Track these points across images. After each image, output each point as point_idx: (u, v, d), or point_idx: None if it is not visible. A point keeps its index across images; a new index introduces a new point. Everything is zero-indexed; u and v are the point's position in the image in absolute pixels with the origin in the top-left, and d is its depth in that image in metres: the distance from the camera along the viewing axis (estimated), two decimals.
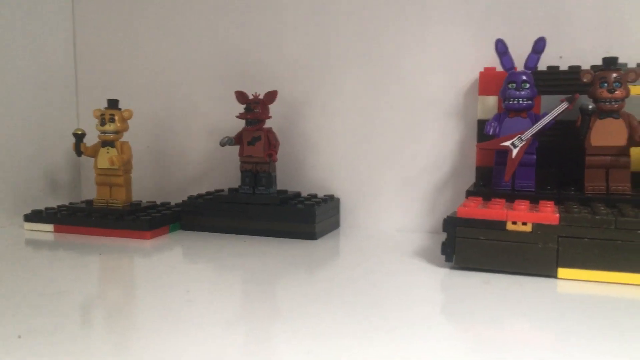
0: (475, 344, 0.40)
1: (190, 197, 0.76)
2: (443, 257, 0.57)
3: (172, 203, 0.80)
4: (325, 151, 0.78)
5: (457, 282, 0.53)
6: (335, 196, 0.77)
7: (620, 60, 0.61)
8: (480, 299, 0.48)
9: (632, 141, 0.57)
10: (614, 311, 0.46)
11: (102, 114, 0.73)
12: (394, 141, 0.75)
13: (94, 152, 0.74)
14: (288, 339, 0.40)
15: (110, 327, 0.43)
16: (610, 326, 0.42)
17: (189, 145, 0.85)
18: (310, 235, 0.69)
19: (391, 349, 0.39)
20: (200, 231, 0.74)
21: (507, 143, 0.60)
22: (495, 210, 0.55)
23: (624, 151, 0.58)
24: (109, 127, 0.73)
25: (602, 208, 0.54)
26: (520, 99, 0.61)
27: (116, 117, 0.73)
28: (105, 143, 0.73)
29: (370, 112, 0.76)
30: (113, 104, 0.74)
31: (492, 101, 0.67)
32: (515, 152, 0.59)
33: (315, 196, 0.75)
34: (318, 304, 0.47)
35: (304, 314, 0.45)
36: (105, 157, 0.73)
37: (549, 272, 0.53)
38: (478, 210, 0.55)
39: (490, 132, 0.62)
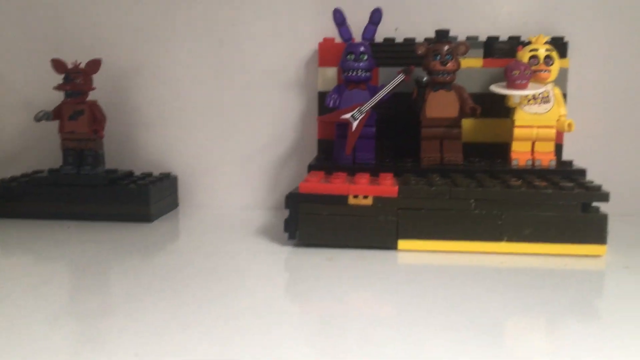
0: (320, 323, 0.39)
1: (2, 181, 0.67)
2: (287, 234, 0.55)
3: None
4: (159, 126, 0.73)
5: (301, 260, 0.51)
6: (172, 174, 0.72)
7: (452, 34, 0.63)
8: (324, 276, 0.47)
9: (463, 113, 0.59)
10: (450, 279, 0.47)
11: None
12: (233, 114, 0.71)
13: None
14: (116, 338, 0.36)
15: None
16: (447, 294, 0.43)
17: None
18: (145, 217, 0.64)
19: (232, 338, 0.36)
20: (16, 218, 0.65)
21: (347, 115, 0.59)
22: (337, 184, 0.54)
23: (456, 122, 0.60)
24: None
25: (437, 179, 0.55)
26: (359, 71, 0.60)
27: None
28: None
29: (207, 84, 0.71)
30: None
31: (332, 73, 0.66)
32: (355, 124, 0.59)
33: (149, 175, 0.70)
34: (153, 295, 0.43)
35: (137, 307, 0.41)
36: None
37: (390, 245, 0.53)
38: (320, 185, 0.54)
39: (331, 105, 0.61)
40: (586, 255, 0.52)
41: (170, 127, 0.72)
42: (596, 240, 0.52)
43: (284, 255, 0.53)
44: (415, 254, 0.53)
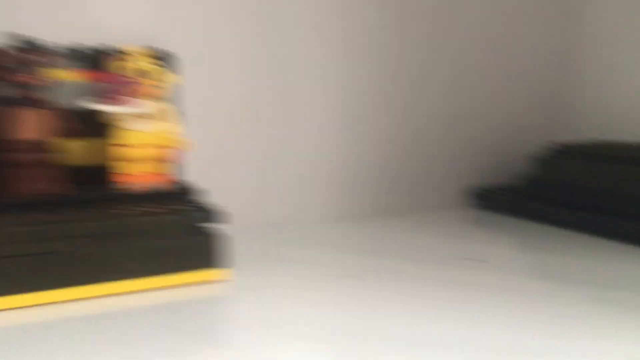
0: None
1: None
2: None
3: None
4: None
5: None
6: None
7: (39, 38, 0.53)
8: None
9: (56, 133, 0.50)
10: (37, 342, 0.37)
11: None
12: None
13: None
14: None
15: None
16: None
17: None
18: None
19: None
20: None
21: None
22: None
23: (48, 145, 0.50)
24: None
25: (24, 216, 0.45)
26: None
27: None
28: None
29: None
30: None
31: None
32: None
33: None
34: None
35: None
36: None
37: None
38: None
39: None
40: (209, 282, 0.49)
41: None
42: (220, 263, 0.49)
43: None
44: None
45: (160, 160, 0.55)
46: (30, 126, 0.49)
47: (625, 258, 0.55)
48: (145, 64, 0.54)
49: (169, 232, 0.47)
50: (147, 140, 0.54)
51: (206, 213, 0.49)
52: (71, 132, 0.50)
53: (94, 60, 0.55)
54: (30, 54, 0.49)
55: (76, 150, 0.54)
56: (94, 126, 0.54)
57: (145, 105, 0.53)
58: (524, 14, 0.80)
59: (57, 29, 0.57)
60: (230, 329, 0.42)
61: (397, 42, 0.73)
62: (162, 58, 0.57)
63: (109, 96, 0.52)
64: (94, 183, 0.54)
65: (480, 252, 0.57)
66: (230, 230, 0.50)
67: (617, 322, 0.41)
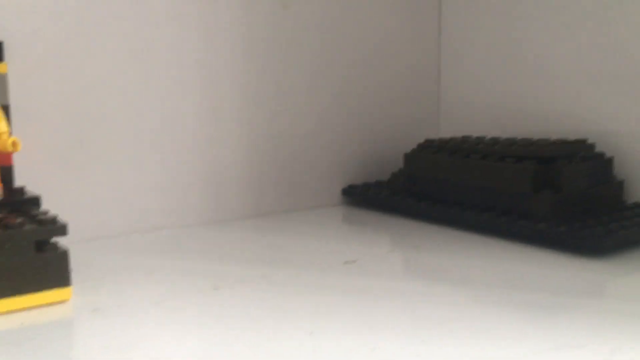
0: None
1: None
2: None
3: None
4: None
5: None
6: None
7: None
8: None
9: None
10: None
11: None
12: None
13: None
14: None
15: None
16: None
17: None
18: None
19: None
20: None
21: None
22: None
23: None
24: None
25: None
26: None
27: None
28: None
29: None
30: None
31: None
32: None
33: None
34: None
35: None
36: None
37: None
38: None
39: None
40: (50, 304, 0.42)
41: None
42: (58, 283, 0.42)
43: None
44: None
45: None
46: None
47: (498, 254, 0.55)
48: None
49: (2, 249, 0.40)
50: None
51: (42, 226, 0.42)
52: None
53: None
54: None
55: None
56: None
57: None
58: (394, 15, 0.79)
59: None
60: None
61: (266, 37, 0.69)
62: None
63: None
64: None
65: (354, 253, 0.54)
66: (74, 243, 0.44)
67: (497, 323, 0.39)
